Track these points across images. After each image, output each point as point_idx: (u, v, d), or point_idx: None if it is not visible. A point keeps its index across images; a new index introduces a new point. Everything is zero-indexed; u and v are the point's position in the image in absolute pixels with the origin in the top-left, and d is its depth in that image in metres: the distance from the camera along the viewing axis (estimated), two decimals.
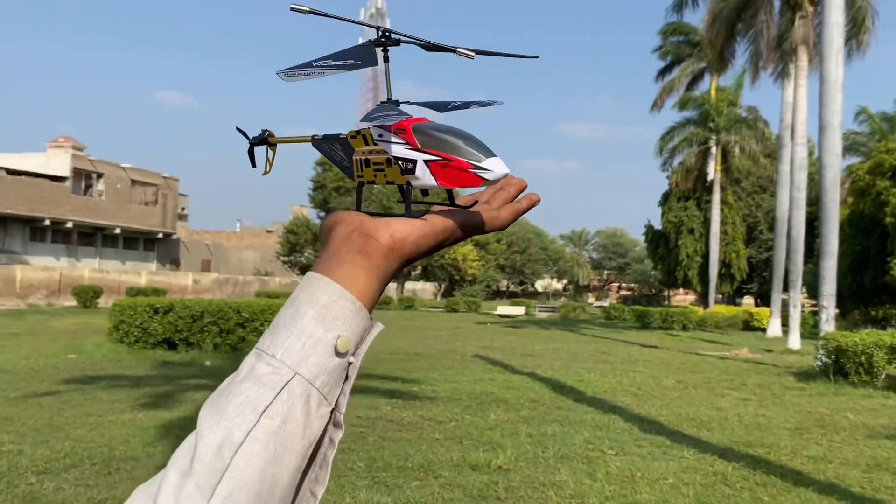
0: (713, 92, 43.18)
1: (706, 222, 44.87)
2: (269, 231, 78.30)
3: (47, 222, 47.33)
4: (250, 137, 1.06)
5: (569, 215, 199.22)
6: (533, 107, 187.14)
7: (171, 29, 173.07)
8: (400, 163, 0.80)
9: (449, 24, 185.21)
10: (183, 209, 67.36)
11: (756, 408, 11.97)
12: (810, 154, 35.42)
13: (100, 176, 52.35)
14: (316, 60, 0.83)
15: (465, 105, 0.87)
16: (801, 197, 25.64)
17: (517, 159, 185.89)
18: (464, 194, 0.93)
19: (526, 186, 0.89)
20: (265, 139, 1.06)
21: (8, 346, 17.87)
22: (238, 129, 1.08)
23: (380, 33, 0.85)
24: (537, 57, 0.90)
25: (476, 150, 0.77)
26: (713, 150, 43.69)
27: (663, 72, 45.41)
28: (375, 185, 0.91)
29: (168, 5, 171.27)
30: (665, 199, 48.89)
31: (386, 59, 0.85)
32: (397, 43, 0.85)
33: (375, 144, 0.84)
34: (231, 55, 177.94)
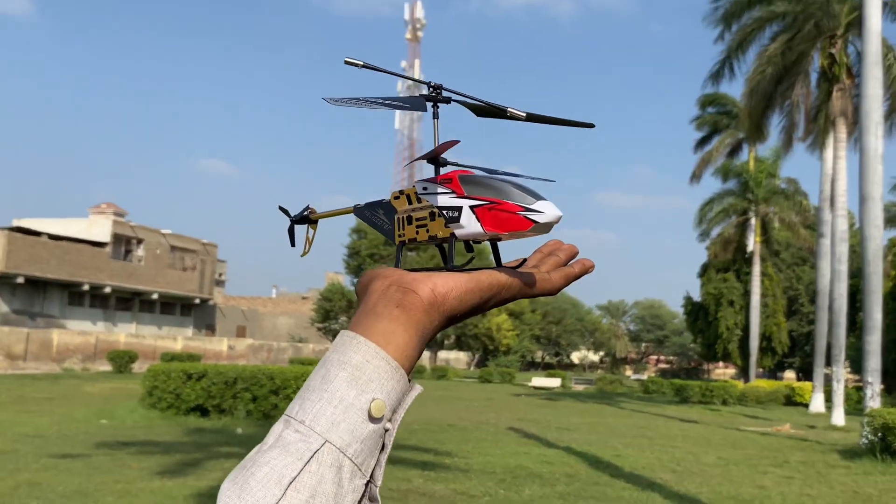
0: (751, 163, 43.02)
1: (746, 294, 44.21)
2: (304, 297, 78.63)
3: (86, 287, 47.96)
4: (292, 216, 1.02)
5: (606, 286, 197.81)
6: (568, 175, 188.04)
7: (215, 98, 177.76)
8: (445, 213, 0.77)
9: (485, 91, 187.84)
10: (220, 275, 67.98)
11: (800, 486, 11.52)
12: (851, 226, 34.97)
13: (140, 242, 53.14)
14: (364, 98, 0.80)
15: (515, 176, 0.79)
16: (843, 269, 25.17)
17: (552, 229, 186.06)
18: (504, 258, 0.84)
19: (577, 252, 0.82)
20: (306, 217, 1.01)
21: (41, 411, 17.90)
22: (280, 207, 1.04)
23: (430, 88, 0.82)
24: (593, 125, 0.83)
25: (525, 194, 0.74)
26: (752, 221, 43.32)
27: (702, 142, 45.41)
28: (415, 251, 0.83)
29: (212, 76, 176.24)
30: (704, 271, 48.37)
31: (435, 116, 0.83)
32: (448, 101, 0.83)
33: (419, 202, 0.82)
34: (273, 125, 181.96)
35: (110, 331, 48.84)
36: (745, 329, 44.02)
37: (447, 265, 0.76)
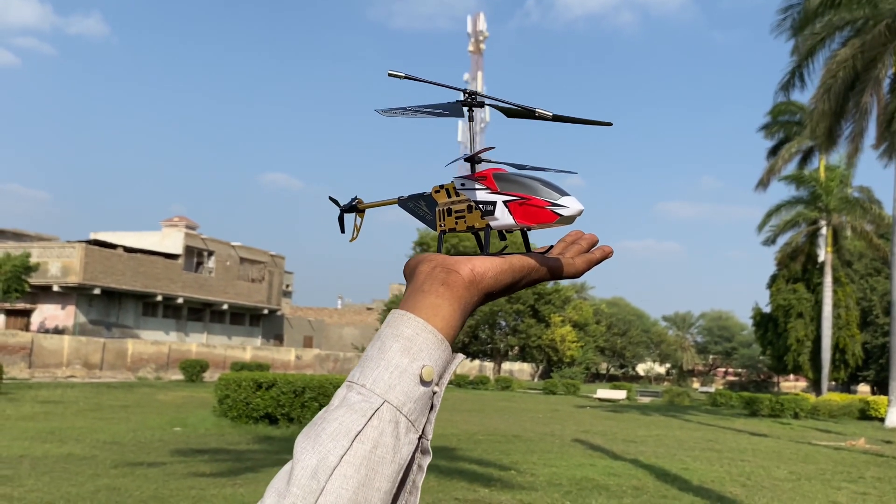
0: (822, 171, 42.03)
1: (817, 305, 43.15)
2: (368, 308, 79.33)
3: (159, 298, 49.24)
4: (341, 205, 1.17)
5: (671, 298, 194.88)
6: (630, 186, 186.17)
7: (278, 113, 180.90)
8: (481, 206, 0.90)
9: (546, 101, 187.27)
10: (288, 286, 69.06)
11: (875, 503, 11.25)
12: None
13: (210, 254, 54.35)
14: (410, 106, 0.94)
15: (541, 170, 0.92)
16: None
17: (614, 240, 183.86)
18: (537, 245, 0.99)
19: (598, 241, 0.94)
20: (354, 206, 1.16)
21: (117, 418, 18.46)
22: (331, 198, 1.18)
23: (466, 95, 0.95)
24: (611, 124, 0.94)
25: (552, 190, 0.85)
26: (823, 230, 42.28)
27: (773, 151, 44.58)
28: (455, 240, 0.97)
29: (274, 92, 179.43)
30: (773, 281, 47.36)
31: (471, 119, 0.96)
32: (482, 105, 0.95)
33: (457, 195, 0.94)
34: (336, 139, 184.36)
35: (182, 340, 50.01)
36: (817, 341, 42.93)
37: (483, 252, 0.89)
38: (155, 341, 45.57)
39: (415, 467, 0.74)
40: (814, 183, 41.26)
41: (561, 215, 0.84)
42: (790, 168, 43.36)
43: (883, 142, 27.42)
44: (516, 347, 61.49)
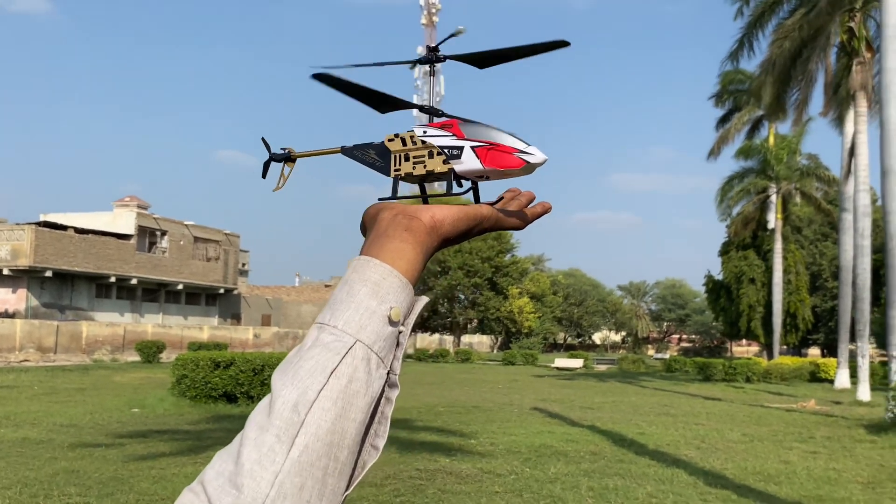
0: (771, 140, 42.71)
1: (768, 271, 44.01)
2: (327, 286, 79.03)
3: (113, 279, 48.51)
4: (271, 152, 1.15)
5: (626, 267, 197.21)
6: (585, 159, 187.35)
7: (230, 91, 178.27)
8: (447, 150, 0.94)
9: (504, 71, 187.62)
10: (244, 265, 68.43)
11: (826, 461, 11.61)
12: (874, 201, 34.67)
13: (164, 233, 53.62)
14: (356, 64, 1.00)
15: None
16: (866, 244, 25.06)
17: (570, 212, 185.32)
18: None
19: (535, 197, 1.00)
20: (287, 155, 1.15)
21: (74, 401, 18.26)
22: (263, 139, 1.17)
23: (428, 50, 0.98)
24: (568, 43, 0.97)
25: (517, 139, 0.90)
26: (773, 198, 43.05)
27: (722, 120, 45.14)
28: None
29: (226, 68, 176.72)
30: (725, 249, 48.19)
31: (432, 73, 1.01)
32: (443, 59, 0.99)
33: (414, 143, 0.97)
34: (289, 115, 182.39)
35: (137, 322, 49.41)
36: (768, 306, 43.85)
37: (447, 192, 0.94)
38: (110, 323, 44.97)
39: (384, 400, 0.80)
40: (763, 152, 41.94)
41: (528, 162, 0.89)
42: (741, 137, 44.04)
43: (829, 109, 27.96)
44: (475, 320, 61.87)
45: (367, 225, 0.91)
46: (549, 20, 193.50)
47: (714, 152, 44.34)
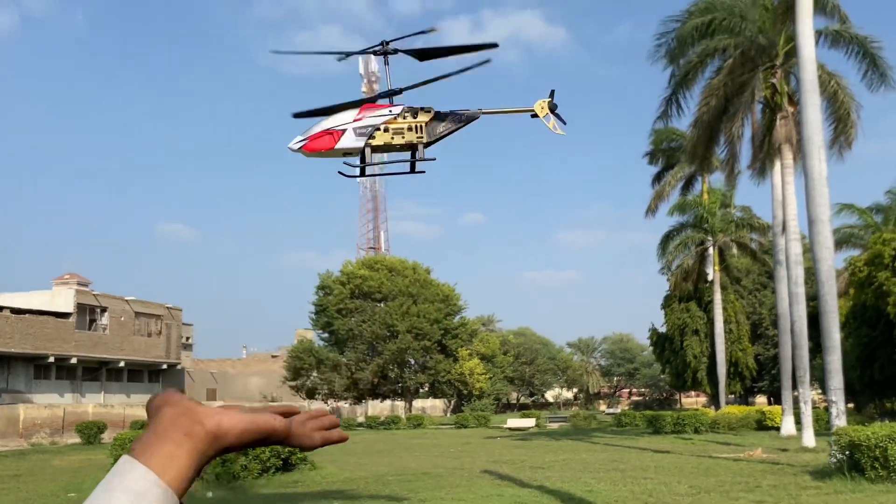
0: (705, 195, 43.82)
1: (710, 322, 44.72)
2: (273, 356, 77.95)
3: (51, 359, 47.25)
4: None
5: (574, 324, 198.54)
6: (529, 218, 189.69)
7: (170, 163, 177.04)
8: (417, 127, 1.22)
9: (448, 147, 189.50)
10: (188, 339, 67.28)
11: None
12: (806, 250, 35.63)
13: (104, 310, 52.56)
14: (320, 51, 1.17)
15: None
16: (800, 292, 25.67)
17: (518, 271, 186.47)
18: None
19: (338, 423, 0.98)
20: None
21: (7, 489, 17.59)
22: None
23: (382, 44, 1.26)
24: (496, 45, 1.17)
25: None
26: (710, 251, 44.00)
27: (657, 177, 46.22)
28: None
29: (165, 141, 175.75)
30: (667, 302, 48.91)
31: (386, 63, 1.31)
32: (395, 52, 1.25)
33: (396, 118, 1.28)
34: (231, 186, 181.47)
35: (78, 402, 48.01)
36: (712, 357, 44.46)
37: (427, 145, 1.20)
38: (49, 405, 43.61)
39: None
40: (698, 207, 42.99)
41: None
42: (676, 193, 45.10)
43: (757, 162, 28.84)
44: (426, 384, 61.43)
45: (149, 416, 0.87)
46: (487, 84, 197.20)
47: (651, 209, 45.32)
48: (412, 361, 57.97)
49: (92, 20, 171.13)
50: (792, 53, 26.11)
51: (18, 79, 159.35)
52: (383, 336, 54.25)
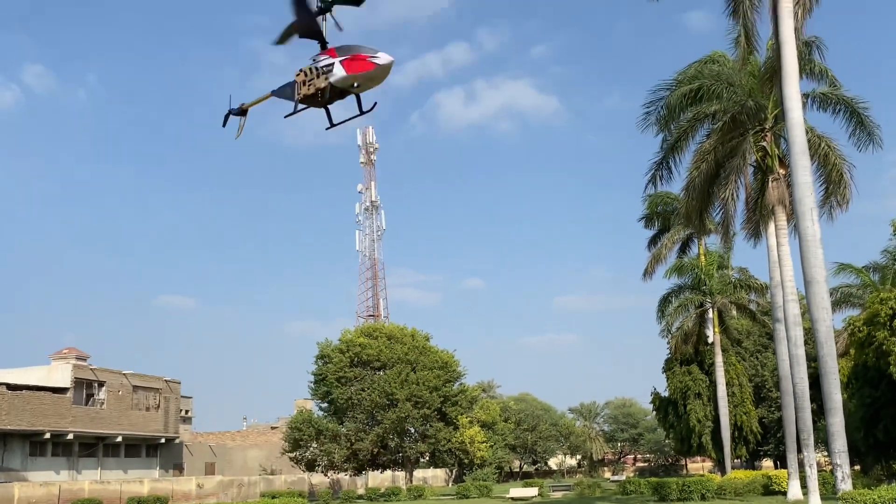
0: (702, 256, 43.93)
1: (713, 385, 44.35)
2: (273, 428, 77.12)
3: (48, 436, 46.74)
4: (231, 108, 1.96)
5: (575, 388, 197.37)
6: (528, 284, 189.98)
7: (171, 234, 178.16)
8: (324, 69, 1.61)
9: (437, 198, 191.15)
10: (186, 412, 66.71)
11: None
12: (804, 311, 35.58)
13: (101, 384, 52.19)
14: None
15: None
16: (801, 353, 25.50)
17: (517, 336, 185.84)
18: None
19: None
20: (243, 110, 1.91)
21: None
22: (230, 97, 2.15)
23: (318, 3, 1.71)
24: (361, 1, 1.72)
25: (372, 50, 1.54)
26: (710, 312, 43.90)
27: (653, 240, 46.42)
28: None
29: (167, 211, 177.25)
30: (669, 366, 48.56)
31: (324, 20, 1.72)
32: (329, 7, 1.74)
33: (314, 73, 1.67)
34: (231, 257, 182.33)
35: (74, 479, 47.33)
36: (716, 420, 43.98)
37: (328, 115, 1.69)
38: (44, 482, 42.98)
39: None
40: (695, 269, 43.06)
41: (377, 64, 1.53)
42: (673, 255, 45.24)
43: (750, 224, 28.98)
44: (427, 454, 60.60)
45: None
46: (482, 153, 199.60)
47: (648, 272, 45.41)
48: (412, 430, 57.29)
49: (94, 97, 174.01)
50: (781, 116, 26.54)
51: (21, 154, 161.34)
52: (383, 405, 53.71)
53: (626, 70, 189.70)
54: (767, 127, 27.86)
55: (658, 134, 29.62)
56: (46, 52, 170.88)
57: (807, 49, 27.28)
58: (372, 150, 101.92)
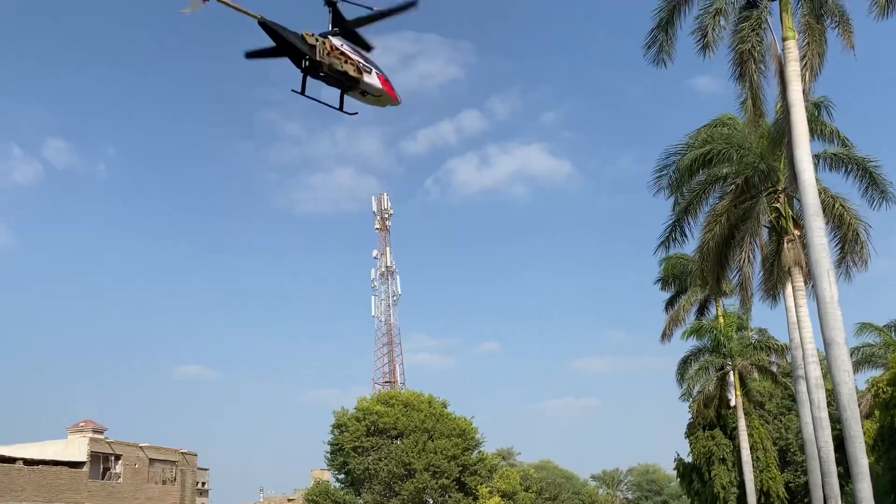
0: (720, 318, 43.52)
1: (736, 450, 43.49)
2: (290, 500, 76.12)
3: None
4: None
5: (597, 454, 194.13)
6: (545, 347, 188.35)
7: (189, 306, 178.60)
8: (362, 63, 1.54)
9: (452, 263, 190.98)
10: (203, 484, 66.03)
11: None
12: (825, 373, 35.08)
13: (118, 458, 51.87)
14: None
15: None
16: (824, 416, 25.01)
17: (536, 401, 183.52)
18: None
19: None
20: None
21: None
22: None
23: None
24: (415, 3, 1.68)
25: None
26: (731, 375, 43.32)
27: (670, 302, 46.06)
28: None
29: (185, 284, 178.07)
30: (691, 430, 47.68)
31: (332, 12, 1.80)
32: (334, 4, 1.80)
33: (332, 48, 1.64)
34: (249, 327, 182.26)
35: None
36: (741, 486, 43.00)
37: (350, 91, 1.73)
38: None
39: None
40: (714, 331, 42.62)
41: (397, 97, 1.44)
42: (691, 317, 44.82)
43: (767, 286, 28.75)
44: None
45: None
46: (497, 217, 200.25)
47: (666, 334, 44.92)
48: (430, 502, 56.37)
49: (113, 169, 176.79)
50: (793, 178, 26.55)
51: (41, 225, 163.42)
52: (400, 475, 52.97)
53: (637, 133, 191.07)
54: (780, 188, 27.85)
55: (669, 196, 29.75)
56: (66, 126, 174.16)
57: (816, 109, 27.46)
58: (387, 216, 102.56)
